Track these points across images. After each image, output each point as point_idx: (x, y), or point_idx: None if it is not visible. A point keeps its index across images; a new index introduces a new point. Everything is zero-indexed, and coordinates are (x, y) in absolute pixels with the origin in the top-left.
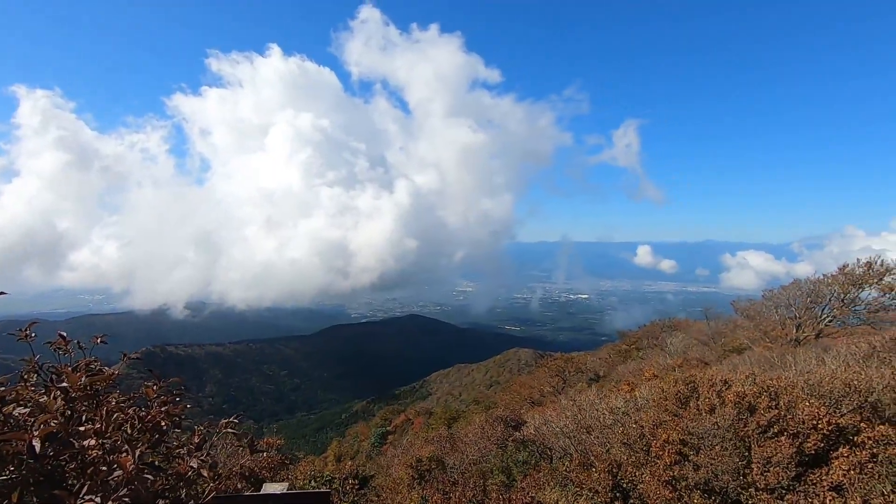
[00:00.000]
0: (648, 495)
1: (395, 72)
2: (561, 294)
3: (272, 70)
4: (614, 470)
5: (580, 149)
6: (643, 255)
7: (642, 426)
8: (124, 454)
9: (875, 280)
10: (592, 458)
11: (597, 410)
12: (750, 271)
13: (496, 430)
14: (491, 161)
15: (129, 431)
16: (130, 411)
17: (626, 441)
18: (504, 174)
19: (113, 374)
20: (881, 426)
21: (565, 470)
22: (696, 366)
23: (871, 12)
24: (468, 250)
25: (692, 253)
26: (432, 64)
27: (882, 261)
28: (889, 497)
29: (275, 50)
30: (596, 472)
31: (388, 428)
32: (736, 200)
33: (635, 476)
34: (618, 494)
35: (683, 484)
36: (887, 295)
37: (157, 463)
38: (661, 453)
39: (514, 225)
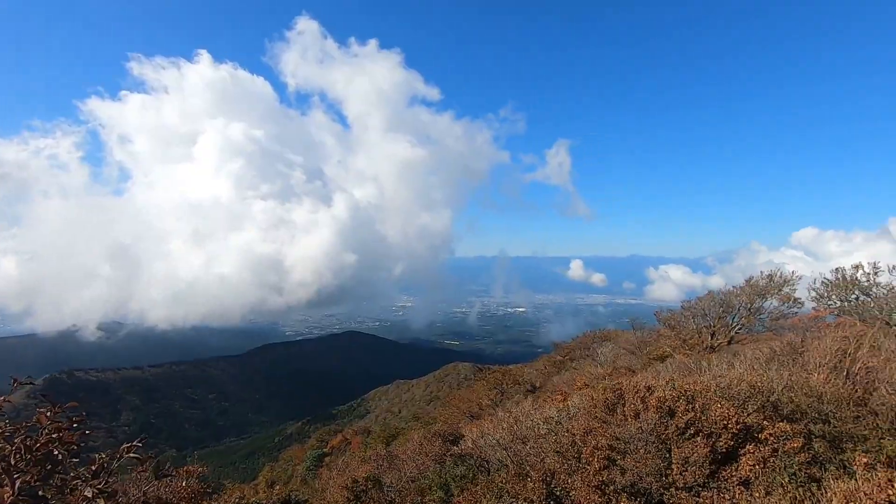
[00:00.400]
0: (580, 501)
1: (333, 85)
2: (499, 308)
3: (201, 77)
4: (548, 478)
5: (516, 166)
6: (575, 269)
7: (574, 434)
8: (5, 487)
9: (776, 291)
10: (528, 467)
11: (532, 421)
12: (671, 284)
13: (434, 446)
14: (430, 176)
15: (12, 462)
16: (17, 441)
17: (558, 449)
18: (443, 190)
19: None
20: (781, 423)
21: (501, 481)
22: (623, 374)
23: (784, 39)
24: (407, 265)
25: (620, 267)
26: (371, 79)
27: (781, 273)
28: (787, 487)
29: (204, 56)
30: (531, 481)
31: (324, 450)
32: (658, 217)
33: (568, 483)
34: (551, 502)
35: (612, 488)
36: (785, 304)
37: (48, 495)
38: (591, 459)
39: (453, 240)
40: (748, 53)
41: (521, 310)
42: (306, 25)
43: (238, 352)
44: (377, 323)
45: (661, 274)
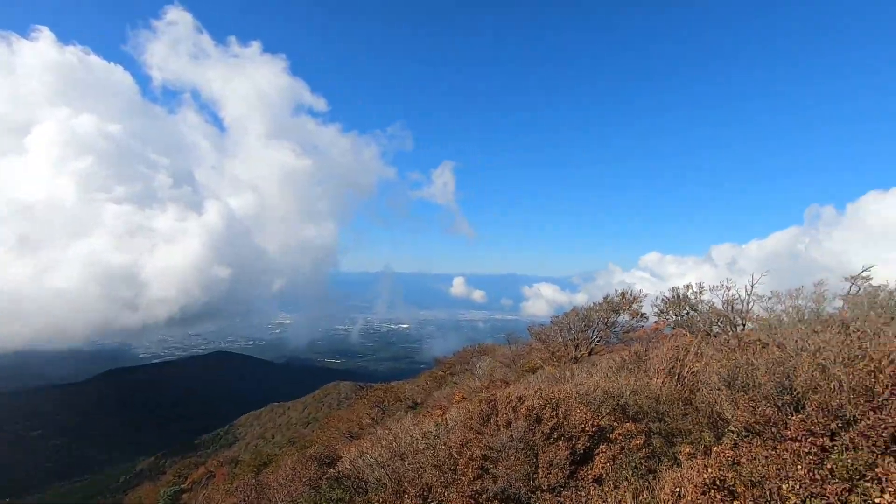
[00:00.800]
0: None
1: (208, 83)
2: (382, 324)
3: (40, 57)
4: (425, 493)
5: (403, 183)
6: (457, 286)
7: (450, 447)
8: None
9: (627, 307)
10: (406, 484)
11: (411, 437)
12: (542, 300)
13: (309, 470)
14: (315, 188)
15: None
16: None
17: (436, 463)
18: (328, 202)
19: None
20: (627, 423)
21: (378, 501)
22: (499, 386)
23: (657, 70)
24: (288, 280)
25: (498, 284)
26: (253, 82)
27: (631, 292)
28: (630, 480)
29: (45, 34)
30: (408, 497)
31: (182, 486)
32: (533, 238)
33: (444, 496)
34: None
35: (485, 496)
36: (634, 318)
37: None
38: (465, 470)
39: (337, 254)
40: (616, 89)
41: (404, 326)
42: (178, 16)
43: (77, 378)
44: (251, 342)
45: (534, 291)
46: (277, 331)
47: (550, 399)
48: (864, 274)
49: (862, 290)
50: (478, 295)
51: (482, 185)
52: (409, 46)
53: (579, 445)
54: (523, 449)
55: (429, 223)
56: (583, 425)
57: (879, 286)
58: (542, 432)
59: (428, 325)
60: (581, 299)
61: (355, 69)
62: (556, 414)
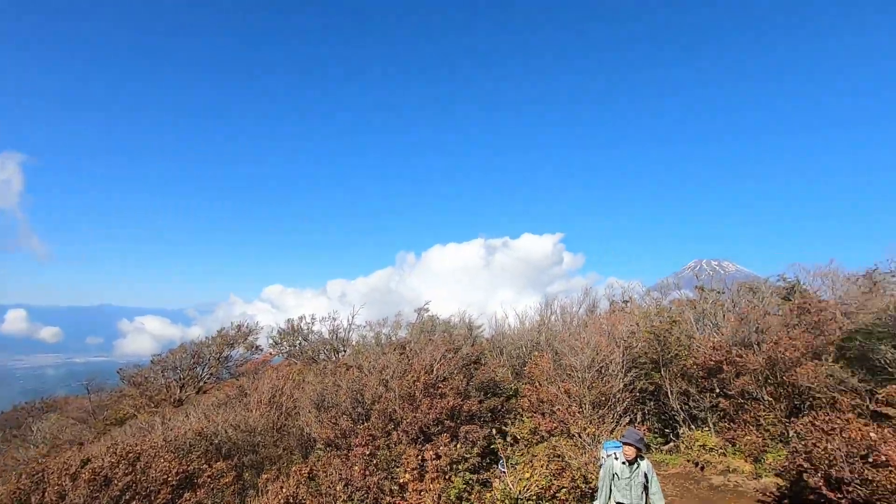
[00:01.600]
0: None
1: None
2: None
3: None
4: None
5: None
6: (14, 322)
7: None
8: None
9: (243, 339)
10: None
11: None
12: (147, 336)
13: None
14: None
15: None
16: None
17: None
18: None
19: None
20: (218, 463)
21: None
22: (67, 450)
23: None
24: None
25: (84, 318)
26: None
27: (248, 324)
28: None
29: None
30: None
31: None
32: (139, 265)
33: None
34: None
35: None
36: (250, 351)
37: None
38: None
39: None
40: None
41: None
42: None
43: None
44: None
45: (136, 326)
46: None
47: (127, 454)
48: (425, 306)
49: (422, 318)
50: (49, 333)
51: (69, 192)
52: None
53: (159, 499)
54: None
55: None
56: (165, 476)
57: (432, 315)
58: (111, 496)
59: None
60: (196, 333)
61: None
62: (134, 469)
